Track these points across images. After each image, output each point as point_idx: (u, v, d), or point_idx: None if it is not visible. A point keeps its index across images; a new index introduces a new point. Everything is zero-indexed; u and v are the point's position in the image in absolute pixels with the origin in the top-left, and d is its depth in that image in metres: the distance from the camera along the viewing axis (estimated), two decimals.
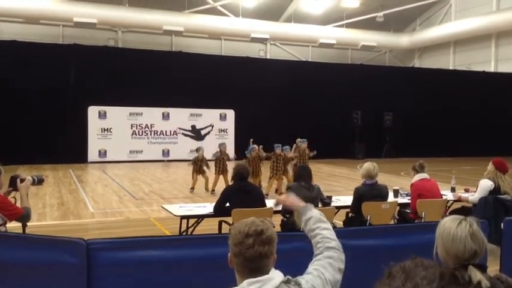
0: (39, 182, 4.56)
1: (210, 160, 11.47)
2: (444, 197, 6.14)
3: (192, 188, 11.38)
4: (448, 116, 23.20)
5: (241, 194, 5.18)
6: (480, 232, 2.01)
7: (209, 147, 15.09)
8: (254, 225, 1.90)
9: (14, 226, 4.62)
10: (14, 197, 4.48)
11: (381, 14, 25.77)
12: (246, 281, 1.86)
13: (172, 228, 6.78)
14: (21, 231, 4.56)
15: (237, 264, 1.90)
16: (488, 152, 20.98)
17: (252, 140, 12.15)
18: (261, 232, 1.87)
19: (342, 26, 26.40)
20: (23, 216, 4.37)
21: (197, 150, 11.67)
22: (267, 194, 10.42)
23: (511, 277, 1.85)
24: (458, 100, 23.21)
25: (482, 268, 1.96)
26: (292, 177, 9.72)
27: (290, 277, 1.98)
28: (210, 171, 11.35)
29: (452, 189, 6.74)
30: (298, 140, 12.11)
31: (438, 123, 23.17)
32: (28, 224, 4.75)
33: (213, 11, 23.80)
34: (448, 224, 2.05)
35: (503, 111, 23.77)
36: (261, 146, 11.32)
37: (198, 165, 11.30)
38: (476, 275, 1.86)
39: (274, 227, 5.17)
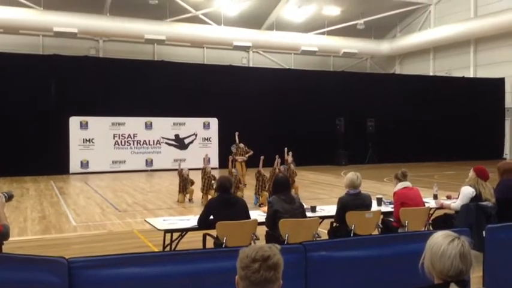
0: (9, 198, 4.48)
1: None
2: (427, 205, 6.20)
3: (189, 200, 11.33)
4: (429, 121, 23.48)
5: (226, 207, 5.15)
6: (470, 254, 2.03)
7: (193, 156, 15.09)
8: (262, 250, 1.95)
9: None
10: None
11: (361, 21, 26.09)
12: None
13: (156, 241, 6.71)
14: None
15: (243, 287, 1.95)
16: (470, 157, 21.36)
17: (237, 133, 12.38)
18: (268, 258, 1.92)
19: (323, 33, 26.64)
20: (2, 234, 4.28)
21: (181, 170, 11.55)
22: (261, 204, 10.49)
23: (494, 283, 1.87)
24: (439, 105, 23.54)
25: (464, 285, 1.98)
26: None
27: None
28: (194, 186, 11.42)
29: (435, 197, 6.81)
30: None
31: (420, 128, 23.44)
32: (9, 239, 4.66)
33: (195, 20, 23.81)
34: (441, 239, 2.06)
35: (483, 115, 24.16)
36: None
37: (183, 182, 11.32)
38: None
39: (258, 239, 5.14)
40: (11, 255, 3.51)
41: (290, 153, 12.10)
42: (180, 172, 11.48)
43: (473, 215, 5.63)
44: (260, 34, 25.47)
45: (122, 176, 17.29)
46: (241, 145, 13.41)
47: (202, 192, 10.96)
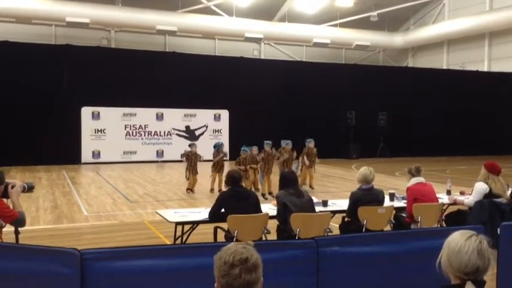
0: (29, 189, 4.55)
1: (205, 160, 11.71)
2: (440, 201, 6.13)
3: (189, 190, 11.37)
4: (442, 115, 23.26)
5: (237, 200, 5.13)
6: (488, 251, 2.00)
7: (203, 148, 15.09)
8: (238, 253, 1.86)
9: (6, 231, 4.58)
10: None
11: (375, 13, 25.79)
12: None
13: (167, 232, 6.73)
14: (13, 236, 4.54)
15: None
16: (483, 151, 21.16)
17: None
18: (246, 260, 1.84)
19: (336, 25, 26.41)
20: (18, 220, 4.37)
21: (190, 146, 11.70)
22: (270, 192, 10.70)
23: (508, 280, 1.83)
24: (452, 99, 23.28)
25: (481, 285, 1.94)
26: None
27: None
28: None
29: (448, 192, 6.73)
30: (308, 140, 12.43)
31: (432, 122, 23.23)
32: (21, 228, 4.72)
33: (207, 11, 23.72)
34: (458, 236, 2.04)
35: (496, 110, 23.87)
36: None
37: (192, 161, 11.27)
38: None
39: (269, 232, 5.12)
40: (25, 245, 3.54)
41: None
42: (186, 154, 11.42)
43: (487, 212, 5.55)
44: (272, 26, 25.31)
45: (133, 167, 17.37)
46: (254, 151, 11.28)
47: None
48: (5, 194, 4.40)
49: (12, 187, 4.40)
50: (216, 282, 1.91)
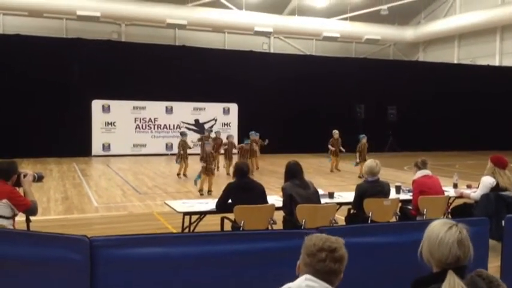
0: (39, 179, 4.66)
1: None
2: (446, 194, 6.15)
3: (179, 174, 12.71)
4: (452, 110, 23.12)
5: (244, 191, 5.20)
6: (468, 240, 2.04)
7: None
8: (329, 241, 1.99)
9: (17, 220, 4.69)
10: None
11: (385, 7, 25.61)
12: (306, 275, 1.95)
13: (175, 223, 6.82)
14: (24, 225, 4.65)
15: (305, 273, 1.98)
16: (493, 146, 20.99)
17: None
18: (335, 250, 1.96)
19: (346, 19, 26.29)
20: (31, 208, 4.48)
21: (182, 134, 13.41)
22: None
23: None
24: (462, 94, 23.12)
25: (462, 271, 1.99)
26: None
27: None
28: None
29: (455, 186, 6.75)
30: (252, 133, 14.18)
31: (442, 117, 23.09)
32: (33, 218, 4.84)
33: (217, 4, 23.72)
34: (438, 227, 2.06)
35: (507, 104, 23.67)
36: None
37: (185, 149, 12.69)
38: (450, 280, 1.90)
39: (276, 223, 5.19)
40: (37, 232, 3.63)
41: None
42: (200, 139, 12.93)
43: (493, 205, 5.57)
44: (281, 19, 25.26)
45: (142, 160, 17.52)
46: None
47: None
48: (18, 183, 4.51)
49: (24, 176, 4.51)
50: (300, 260, 2.03)
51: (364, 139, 13.97)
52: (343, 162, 15.45)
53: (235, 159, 12.45)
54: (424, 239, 2.10)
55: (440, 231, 2.03)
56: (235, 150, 13.81)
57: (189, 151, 12.92)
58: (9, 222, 4.35)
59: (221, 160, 14.11)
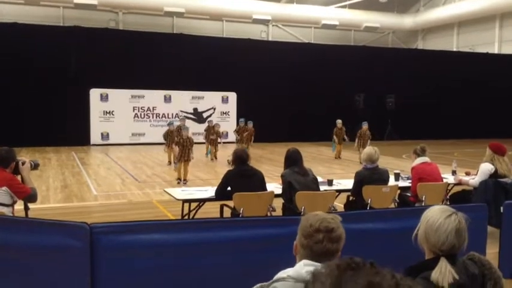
0: (35, 166, 4.67)
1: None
2: (445, 181, 6.16)
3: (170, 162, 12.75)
4: (451, 98, 23.10)
5: (243, 178, 5.20)
6: (466, 230, 2.03)
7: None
8: (326, 221, 1.93)
9: (16, 209, 4.69)
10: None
11: None
12: (303, 261, 1.91)
13: (174, 211, 6.84)
14: (22, 213, 4.66)
15: (302, 255, 1.95)
16: (492, 134, 20.96)
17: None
18: (332, 230, 1.91)
19: (344, 6, 26.13)
20: (31, 195, 4.49)
21: (168, 124, 13.78)
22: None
23: (510, 259, 1.87)
24: (461, 82, 23.08)
25: (454, 258, 1.99)
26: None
27: None
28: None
29: (453, 173, 6.77)
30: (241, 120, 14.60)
31: (441, 105, 23.09)
32: (32, 206, 4.85)
33: None
34: (438, 213, 2.05)
35: (506, 92, 23.65)
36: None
37: (170, 138, 12.79)
38: (442, 267, 1.90)
39: (275, 210, 5.20)
40: (37, 219, 3.65)
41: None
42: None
43: (492, 191, 5.59)
44: (280, 7, 25.12)
45: (141, 148, 17.51)
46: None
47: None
48: (16, 171, 4.52)
49: (23, 164, 4.51)
50: (297, 241, 1.98)
51: (365, 125, 14.32)
52: (343, 150, 15.46)
53: (220, 147, 14.38)
54: (421, 222, 2.09)
55: (440, 217, 2.02)
56: (220, 139, 14.58)
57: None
58: (8, 209, 4.35)
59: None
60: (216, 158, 14.27)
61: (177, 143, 10.39)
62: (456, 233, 1.98)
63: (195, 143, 11.07)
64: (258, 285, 1.92)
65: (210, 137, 14.27)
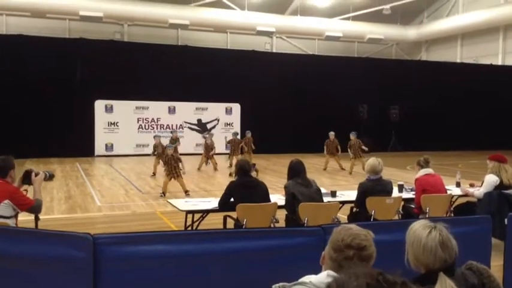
0: (50, 177, 4.67)
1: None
2: (449, 192, 6.14)
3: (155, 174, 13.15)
4: (455, 109, 23.07)
5: (246, 190, 5.20)
6: (450, 239, 2.00)
7: (215, 141, 15.36)
8: (358, 238, 1.87)
9: (26, 219, 4.71)
10: (26, 190, 4.58)
11: (387, 6, 25.55)
12: (328, 271, 1.86)
13: (178, 222, 6.83)
14: (33, 224, 4.65)
15: (329, 266, 1.90)
16: (496, 146, 20.91)
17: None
18: (364, 248, 1.86)
19: (348, 18, 26.25)
20: (34, 207, 4.47)
21: (154, 137, 14.20)
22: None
23: None
24: (465, 93, 23.07)
25: (451, 270, 1.98)
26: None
27: None
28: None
29: (457, 184, 6.74)
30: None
31: (445, 116, 23.04)
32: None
33: (219, 4, 23.73)
34: (419, 231, 2.03)
35: (511, 104, 23.59)
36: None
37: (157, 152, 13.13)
38: (442, 282, 1.88)
39: (278, 221, 5.18)
40: (39, 230, 3.66)
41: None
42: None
43: (496, 203, 5.56)
44: (284, 19, 25.26)
45: (145, 159, 17.50)
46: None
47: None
48: (29, 181, 4.50)
49: (36, 175, 4.51)
50: (326, 252, 1.92)
51: (352, 136, 14.51)
52: (347, 161, 15.41)
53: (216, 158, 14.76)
54: (407, 245, 2.06)
55: (422, 236, 2.00)
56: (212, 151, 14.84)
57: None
58: (12, 221, 4.35)
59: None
60: (216, 169, 14.62)
61: (164, 162, 10.43)
62: (442, 246, 1.96)
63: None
64: (281, 284, 1.87)
65: (210, 153, 14.53)
